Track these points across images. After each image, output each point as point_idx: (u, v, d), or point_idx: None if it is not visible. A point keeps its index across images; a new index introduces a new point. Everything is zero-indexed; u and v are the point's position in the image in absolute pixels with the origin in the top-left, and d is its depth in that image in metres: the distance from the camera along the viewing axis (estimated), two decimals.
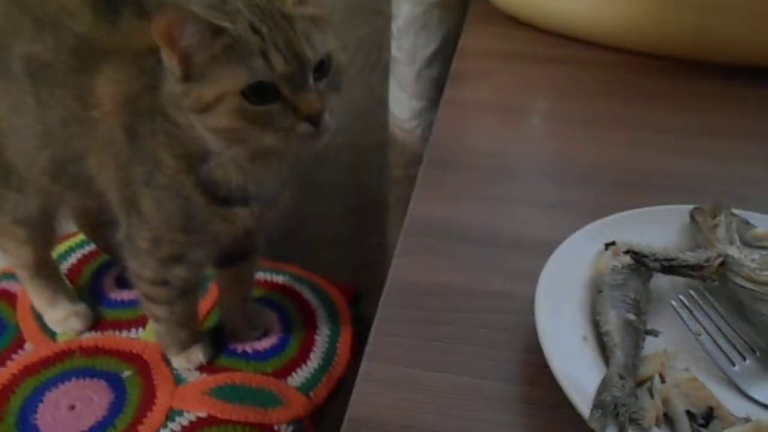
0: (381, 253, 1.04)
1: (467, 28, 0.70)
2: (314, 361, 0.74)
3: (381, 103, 0.96)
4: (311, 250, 0.99)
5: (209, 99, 0.50)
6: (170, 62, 0.50)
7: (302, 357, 0.74)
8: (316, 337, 0.77)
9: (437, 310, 0.41)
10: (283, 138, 0.50)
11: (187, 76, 0.50)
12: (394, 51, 0.82)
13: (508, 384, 0.35)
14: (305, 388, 0.71)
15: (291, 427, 0.67)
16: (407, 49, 0.80)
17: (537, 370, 0.34)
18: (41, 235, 0.74)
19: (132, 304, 0.80)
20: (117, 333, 0.76)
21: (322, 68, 0.51)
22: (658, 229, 0.45)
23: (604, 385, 0.32)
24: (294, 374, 0.72)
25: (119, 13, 0.59)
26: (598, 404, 0.31)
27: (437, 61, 0.80)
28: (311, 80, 0.50)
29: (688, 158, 0.58)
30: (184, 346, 0.71)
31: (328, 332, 0.78)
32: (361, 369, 0.36)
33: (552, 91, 0.67)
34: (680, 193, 0.48)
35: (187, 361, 0.71)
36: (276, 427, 0.66)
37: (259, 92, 0.49)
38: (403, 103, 0.85)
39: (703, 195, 0.46)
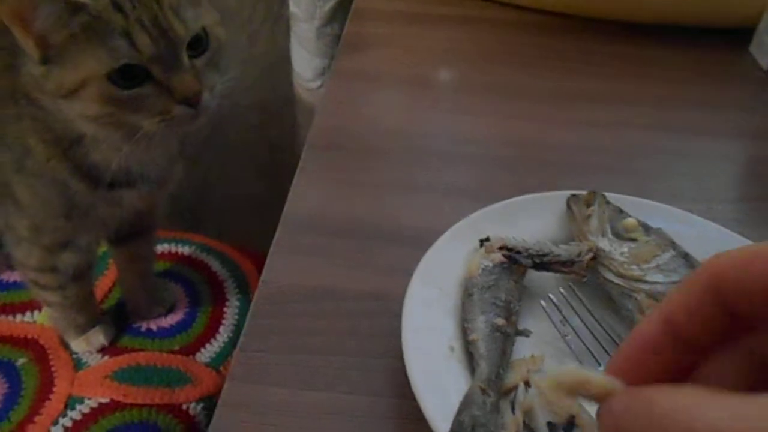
0: None
1: None
2: (223, 335, 0.73)
3: (286, 58, 0.92)
4: (220, 216, 0.96)
5: (71, 84, 0.46)
6: (26, 44, 0.45)
7: (211, 332, 0.73)
8: (225, 309, 0.76)
9: (309, 318, 0.40)
10: (159, 122, 0.47)
11: (46, 59, 0.46)
12: (292, 7, 0.77)
13: (379, 398, 0.35)
14: (215, 364, 0.71)
15: (201, 405, 0.67)
16: (305, 4, 0.75)
17: (409, 381, 0.34)
18: None
19: (24, 286, 0.76)
20: (10, 318, 0.72)
21: (199, 44, 0.47)
22: (541, 217, 0.46)
23: (464, 403, 0.32)
24: (203, 350, 0.71)
25: None
26: (456, 426, 0.32)
27: (338, 16, 0.76)
28: (186, 59, 0.46)
29: (596, 131, 0.57)
30: (83, 330, 0.68)
31: (237, 304, 0.77)
32: (223, 392, 0.36)
33: (450, 57, 0.64)
34: (583, 173, 0.48)
35: (87, 344, 0.69)
36: (185, 406, 0.66)
37: (127, 75, 0.45)
38: (305, 61, 0.80)
39: (600, 176, 0.46)
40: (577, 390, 0.20)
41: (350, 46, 0.58)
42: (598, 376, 0.20)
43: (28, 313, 0.73)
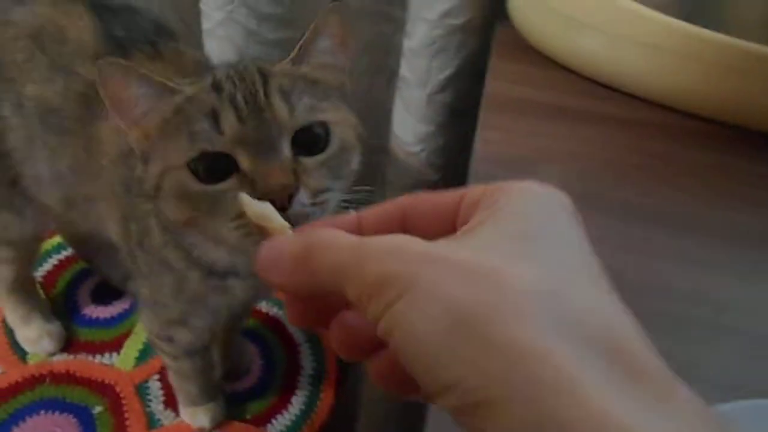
0: None
1: (492, 67, 0.60)
2: (296, 406, 0.71)
3: (379, 106, 0.88)
4: None
5: (154, 179, 0.41)
6: (129, 137, 0.43)
7: (283, 402, 0.71)
8: (299, 378, 0.74)
9: None
10: (237, 229, 0.38)
11: (146, 157, 0.43)
12: (404, 71, 0.73)
13: None
14: None
15: None
16: (419, 71, 0.71)
17: None
18: (27, 255, 0.71)
19: (106, 323, 0.76)
20: (89, 357, 0.72)
21: (315, 141, 0.40)
22: None
23: None
24: (274, 421, 0.69)
25: (129, 57, 0.53)
26: None
27: (451, 85, 0.72)
28: (284, 148, 0.39)
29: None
30: (193, 401, 0.67)
31: (311, 372, 0.74)
32: None
33: (577, 164, 0.53)
34: None
35: (191, 419, 0.67)
36: None
37: (209, 166, 0.39)
38: (408, 126, 0.77)
39: None
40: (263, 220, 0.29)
41: (483, 141, 0.52)
42: (278, 218, 0.29)
43: (107, 354, 0.73)
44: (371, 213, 0.26)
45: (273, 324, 0.78)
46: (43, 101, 0.55)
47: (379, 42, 0.82)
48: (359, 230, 0.25)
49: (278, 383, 0.73)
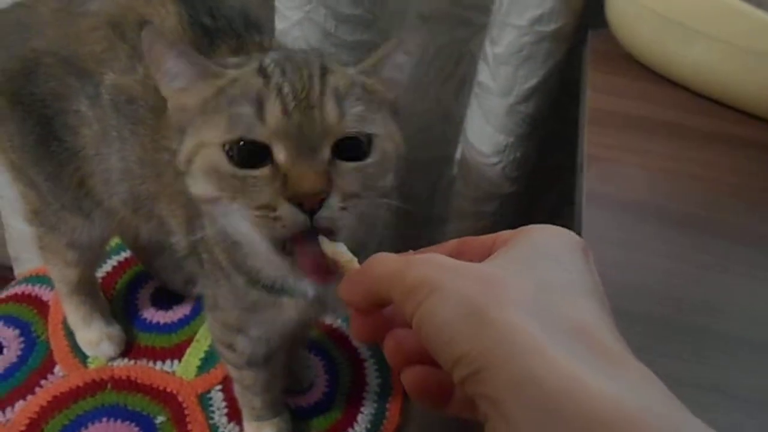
0: None
1: (590, 78, 0.56)
2: (361, 424, 0.68)
3: (446, 117, 0.85)
4: None
5: (187, 153, 0.40)
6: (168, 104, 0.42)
7: (349, 420, 0.68)
8: (364, 394, 0.71)
9: None
10: (259, 218, 0.36)
11: (182, 128, 0.41)
12: (485, 79, 0.70)
13: None
14: None
15: None
16: (504, 79, 0.67)
17: None
18: (91, 259, 0.70)
19: (167, 329, 0.74)
20: (150, 364, 0.71)
21: (356, 150, 0.38)
22: None
23: None
24: None
25: (215, 48, 0.51)
26: None
27: (535, 95, 0.68)
28: (324, 152, 0.37)
29: None
30: (257, 415, 0.64)
31: (377, 389, 0.71)
32: None
33: (698, 186, 0.48)
34: None
35: None
36: None
37: (244, 152, 0.37)
38: (485, 136, 0.73)
39: None
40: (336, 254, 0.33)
41: (593, 162, 0.48)
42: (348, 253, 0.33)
43: (167, 362, 0.71)
44: (429, 250, 0.31)
45: (338, 338, 0.75)
46: (122, 90, 0.54)
47: (451, 48, 0.79)
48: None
49: (343, 399, 0.70)
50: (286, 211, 0.36)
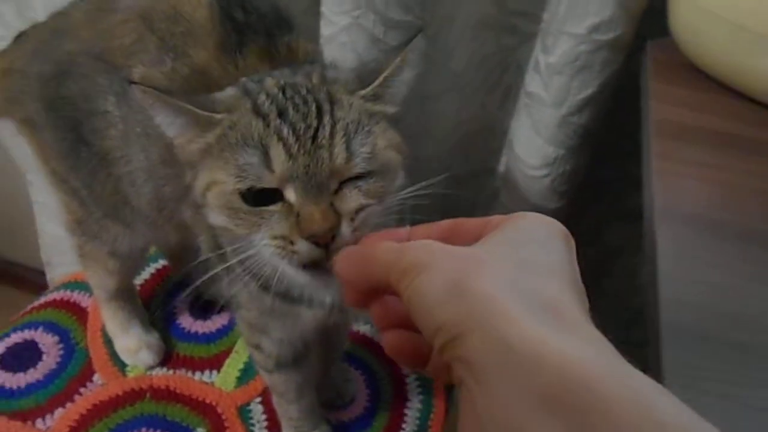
0: None
1: (653, 89, 0.54)
2: None
3: (490, 128, 0.83)
4: None
5: (201, 188, 0.41)
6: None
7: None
8: (406, 411, 0.69)
9: None
10: (277, 250, 0.38)
11: (191, 165, 0.42)
12: (536, 89, 0.68)
13: None
14: None
15: None
16: (557, 89, 0.65)
17: None
18: (131, 267, 0.69)
19: (205, 339, 0.73)
20: (189, 374, 0.69)
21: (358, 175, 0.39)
22: None
23: None
24: None
25: (244, 49, 0.50)
26: None
27: (589, 106, 0.66)
28: (330, 189, 0.38)
29: None
30: (296, 428, 0.63)
31: (419, 406, 0.69)
32: None
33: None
34: None
35: None
36: None
37: (258, 194, 0.39)
38: (534, 148, 0.71)
39: None
40: None
41: (661, 173, 0.46)
42: None
43: (206, 372, 0.70)
44: (420, 229, 0.33)
45: (379, 353, 0.73)
46: (150, 83, 0.52)
47: (498, 56, 0.77)
48: (409, 240, 0.31)
49: (385, 415, 0.68)
50: (303, 247, 0.37)
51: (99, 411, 0.65)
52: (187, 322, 0.75)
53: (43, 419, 0.63)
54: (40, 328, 0.72)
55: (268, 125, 0.38)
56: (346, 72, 0.44)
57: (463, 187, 0.89)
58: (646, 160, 0.50)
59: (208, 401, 0.67)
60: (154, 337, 0.71)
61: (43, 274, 1.31)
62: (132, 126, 0.55)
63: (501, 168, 0.85)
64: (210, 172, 0.40)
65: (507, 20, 0.73)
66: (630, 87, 0.68)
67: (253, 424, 0.65)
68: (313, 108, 0.39)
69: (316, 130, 0.38)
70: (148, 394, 0.67)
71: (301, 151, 0.37)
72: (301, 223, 0.37)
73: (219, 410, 0.66)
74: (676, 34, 0.58)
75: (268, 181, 0.38)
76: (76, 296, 0.76)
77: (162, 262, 0.80)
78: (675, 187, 0.46)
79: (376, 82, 0.41)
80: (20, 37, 0.61)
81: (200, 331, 0.74)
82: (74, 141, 0.58)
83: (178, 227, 0.59)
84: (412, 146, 0.80)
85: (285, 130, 0.38)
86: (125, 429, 0.64)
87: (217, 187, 0.40)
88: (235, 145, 0.39)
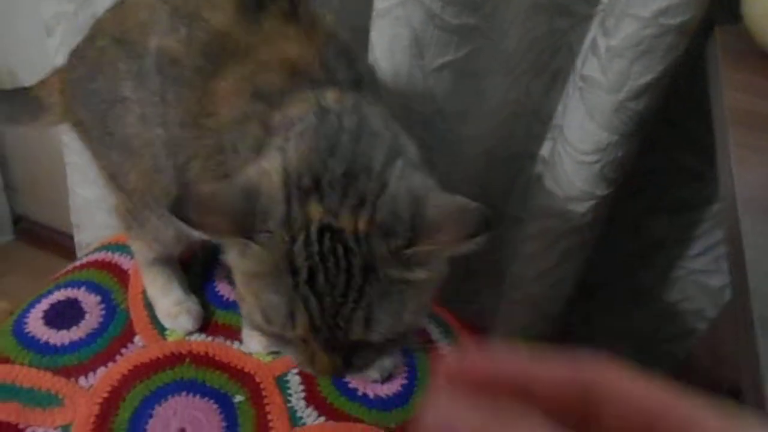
0: (497, 278, 0.93)
1: (724, 76, 0.52)
2: None
3: (535, 112, 0.82)
4: None
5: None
6: None
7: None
8: None
9: None
10: (299, 365, 0.47)
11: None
12: (593, 72, 0.66)
13: None
14: None
15: None
16: (616, 74, 0.64)
17: None
18: (175, 249, 0.69)
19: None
20: (228, 342, 0.70)
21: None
22: None
23: None
24: None
25: (265, 9, 0.51)
26: None
27: (648, 92, 0.65)
28: (344, 349, 0.44)
29: None
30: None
31: None
32: None
33: None
34: None
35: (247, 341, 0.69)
36: None
37: None
38: (587, 133, 0.70)
39: None
40: None
41: (741, 163, 0.44)
42: None
43: None
44: (544, 375, 0.20)
45: (418, 331, 0.73)
46: (165, 52, 0.53)
47: (548, 39, 0.75)
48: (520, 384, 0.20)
49: (422, 392, 0.68)
50: (320, 374, 0.46)
51: (140, 372, 0.65)
52: (225, 290, 0.75)
53: (86, 377, 0.64)
54: (83, 288, 0.73)
55: (296, 286, 0.40)
56: (401, 207, 0.41)
57: (501, 170, 0.88)
58: (722, 149, 0.48)
59: (246, 370, 0.67)
60: (193, 303, 0.72)
61: (70, 237, 1.32)
62: (149, 101, 0.55)
63: (543, 153, 0.84)
64: (241, 284, 0.45)
65: (561, 2, 0.72)
66: (681, 73, 0.66)
67: (290, 394, 0.66)
68: (342, 282, 0.40)
69: (341, 305, 0.40)
70: (187, 359, 0.67)
71: (323, 325, 0.41)
72: (315, 364, 0.44)
73: (257, 379, 0.67)
74: (749, 20, 0.57)
75: (291, 335, 0.43)
76: (117, 258, 0.77)
77: None
78: (753, 176, 0.45)
79: (426, 248, 0.40)
80: (72, 51, 0.63)
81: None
82: (101, 134, 0.60)
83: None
84: (454, 124, 0.80)
85: (312, 302, 0.41)
86: (165, 392, 0.64)
87: (245, 304, 0.45)
88: (264, 278, 0.42)
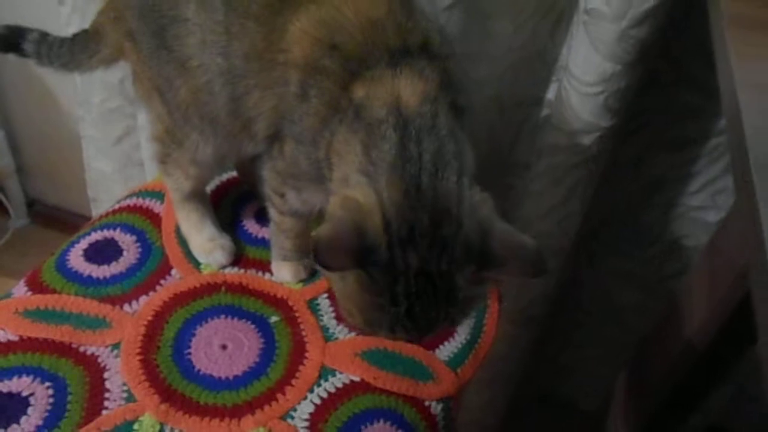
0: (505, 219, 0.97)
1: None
2: (461, 334, 0.70)
3: (540, 55, 0.86)
4: None
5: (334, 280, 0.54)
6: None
7: (449, 329, 0.70)
8: None
9: None
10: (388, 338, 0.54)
11: None
12: (597, 4, 0.71)
13: None
14: (453, 364, 0.68)
15: (440, 406, 0.65)
16: (619, 2, 0.68)
17: None
18: (209, 175, 0.73)
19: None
20: (260, 274, 0.74)
21: None
22: None
23: None
24: (441, 347, 0.69)
25: None
26: None
27: (650, 17, 0.69)
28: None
29: None
30: (284, 257, 0.72)
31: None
32: None
33: None
34: None
35: (276, 272, 0.73)
36: (427, 403, 0.64)
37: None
38: (591, 65, 0.74)
39: None
40: None
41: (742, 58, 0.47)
42: None
43: None
44: None
45: None
46: None
47: None
48: None
49: None
50: (402, 335, 0.52)
51: (180, 299, 0.69)
52: (254, 228, 0.79)
53: (129, 304, 0.68)
54: (118, 229, 0.76)
55: (397, 316, 0.50)
56: (473, 242, 0.49)
57: (508, 116, 0.92)
58: (726, 87, 0.50)
59: (279, 295, 0.71)
60: (226, 239, 0.75)
61: (86, 218, 1.35)
62: (212, 29, 0.58)
63: (549, 96, 0.89)
64: (342, 296, 0.53)
65: None
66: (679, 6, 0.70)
67: (321, 314, 0.70)
68: (433, 310, 0.50)
69: (431, 323, 0.51)
70: (223, 288, 0.71)
71: (415, 332, 0.51)
72: (395, 333, 0.52)
73: (290, 303, 0.71)
74: None
75: (389, 336, 0.52)
76: (148, 203, 0.80)
77: (226, 176, 0.84)
78: (755, 64, 0.48)
79: (487, 274, 0.50)
80: None
81: (266, 237, 0.78)
82: (157, 47, 0.62)
83: (252, 136, 0.63)
84: (468, 65, 0.84)
85: (408, 324, 0.50)
86: (205, 316, 0.68)
87: (344, 304, 0.53)
88: (369, 298, 0.50)
